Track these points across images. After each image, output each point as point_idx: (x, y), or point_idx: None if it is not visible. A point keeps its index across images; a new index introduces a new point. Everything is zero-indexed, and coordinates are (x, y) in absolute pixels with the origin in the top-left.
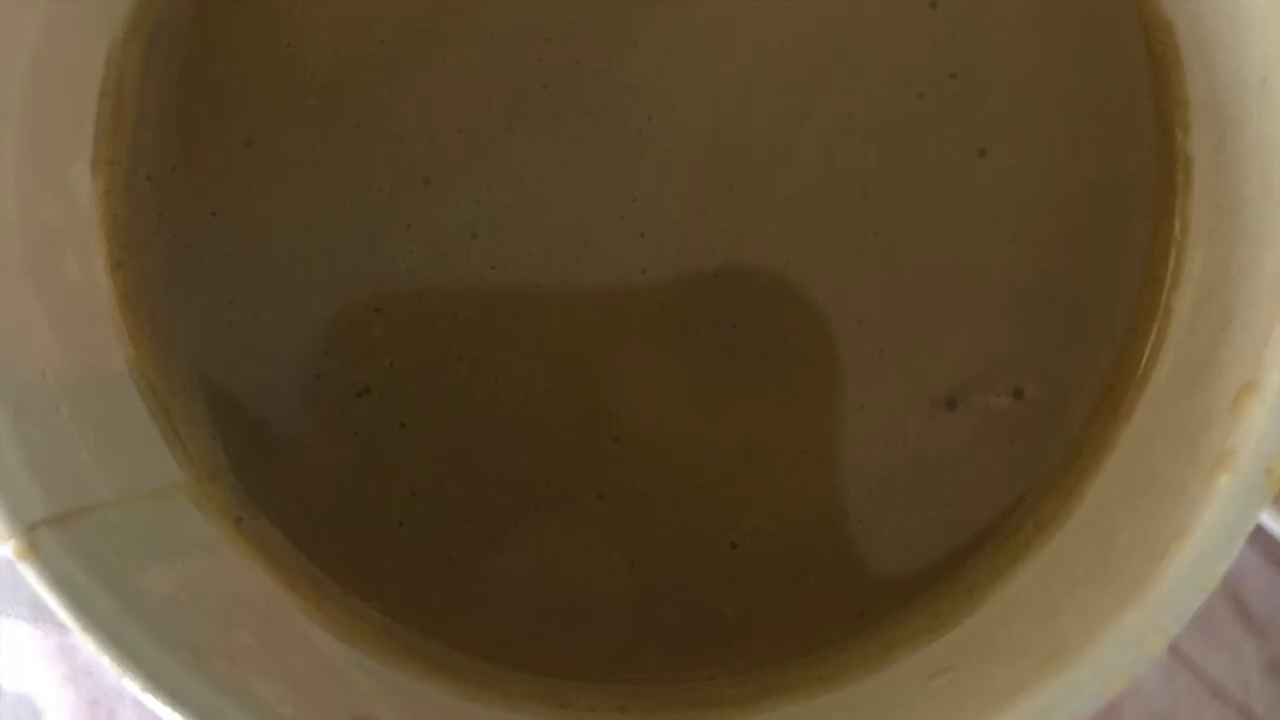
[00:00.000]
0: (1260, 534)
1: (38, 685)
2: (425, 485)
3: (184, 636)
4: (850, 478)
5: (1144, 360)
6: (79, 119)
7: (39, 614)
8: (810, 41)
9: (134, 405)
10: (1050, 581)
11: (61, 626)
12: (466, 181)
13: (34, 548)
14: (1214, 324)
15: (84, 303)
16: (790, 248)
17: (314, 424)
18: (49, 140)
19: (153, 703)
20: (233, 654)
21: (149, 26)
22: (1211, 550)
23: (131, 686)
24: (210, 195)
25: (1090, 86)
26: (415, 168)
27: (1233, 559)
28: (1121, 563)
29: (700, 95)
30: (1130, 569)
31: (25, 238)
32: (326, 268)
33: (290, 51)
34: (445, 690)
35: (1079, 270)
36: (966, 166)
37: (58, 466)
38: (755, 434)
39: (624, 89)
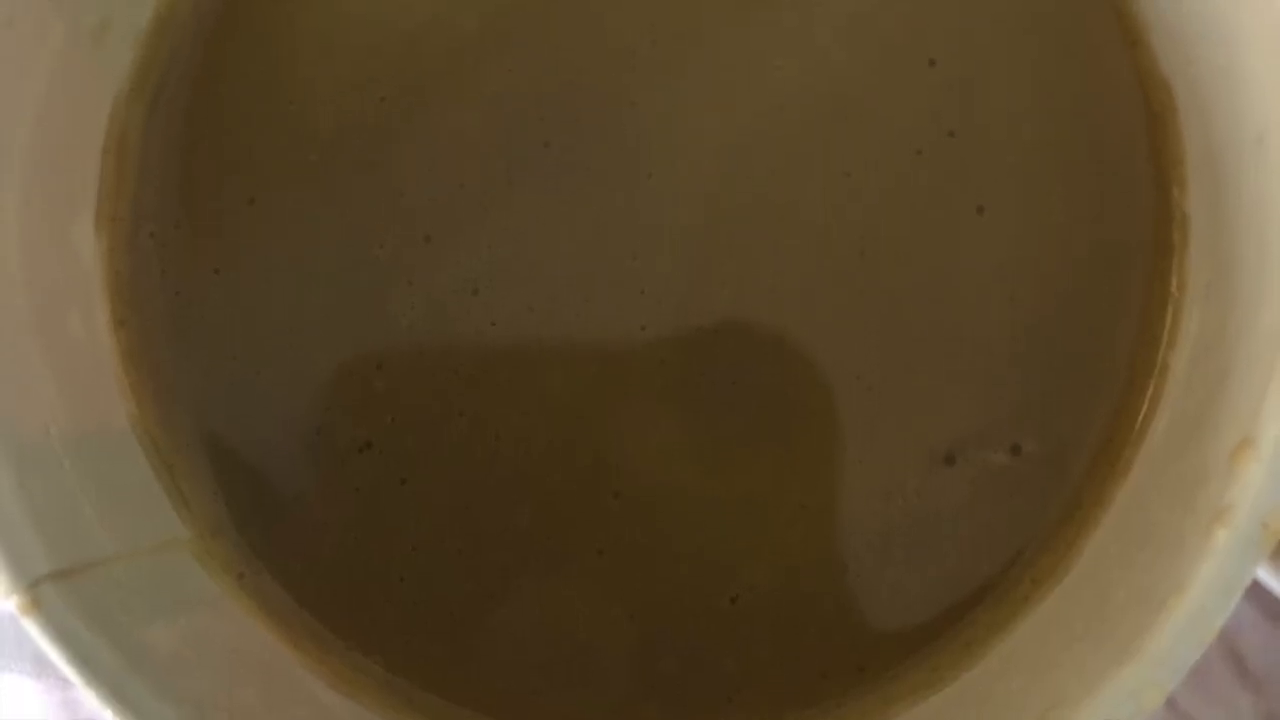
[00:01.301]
0: (1256, 588)
1: None
2: (426, 540)
3: (187, 692)
4: (849, 532)
5: (1141, 416)
6: (82, 176)
7: (42, 669)
8: (809, 100)
9: (137, 461)
10: (1048, 636)
11: (65, 681)
12: (468, 238)
13: (37, 603)
14: (1211, 380)
15: (87, 359)
16: (790, 304)
17: (316, 480)
18: (52, 197)
19: None
20: (235, 709)
21: (152, 84)
22: (1208, 605)
23: None
24: (213, 252)
25: (1088, 144)
26: (417, 224)
27: (1229, 613)
28: (1119, 617)
29: (700, 153)
30: (1127, 624)
31: (29, 294)
32: (328, 324)
33: (293, 109)
34: None
35: (1076, 327)
36: (965, 224)
37: (61, 522)
38: (755, 489)
39: (624, 147)
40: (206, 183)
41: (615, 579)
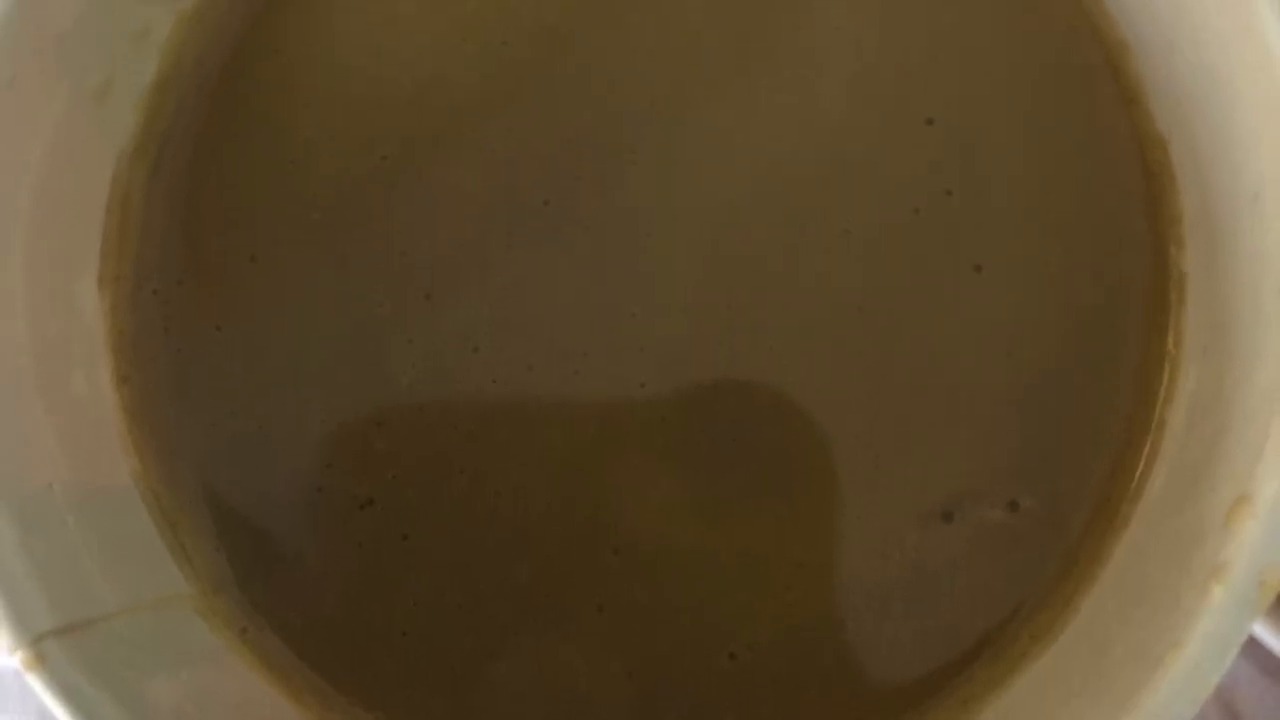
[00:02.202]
0: (1252, 644)
1: None
2: (427, 596)
3: None
4: (848, 589)
5: (1139, 473)
6: (85, 235)
7: None
8: (808, 158)
9: (140, 518)
10: (1045, 692)
11: None
12: (468, 296)
13: (41, 659)
14: (1208, 437)
15: (90, 417)
16: (788, 362)
17: (317, 536)
18: (56, 255)
19: None
20: None
21: (154, 144)
22: (1205, 661)
23: None
24: (215, 310)
25: (1085, 202)
26: (417, 282)
27: (1225, 670)
28: (1116, 673)
29: (699, 211)
30: (1124, 679)
31: (33, 352)
32: (329, 381)
33: (294, 168)
34: None
35: (1074, 384)
36: (962, 282)
37: (64, 578)
38: (754, 546)
39: (624, 205)
40: (209, 241)
41: (615, 635)
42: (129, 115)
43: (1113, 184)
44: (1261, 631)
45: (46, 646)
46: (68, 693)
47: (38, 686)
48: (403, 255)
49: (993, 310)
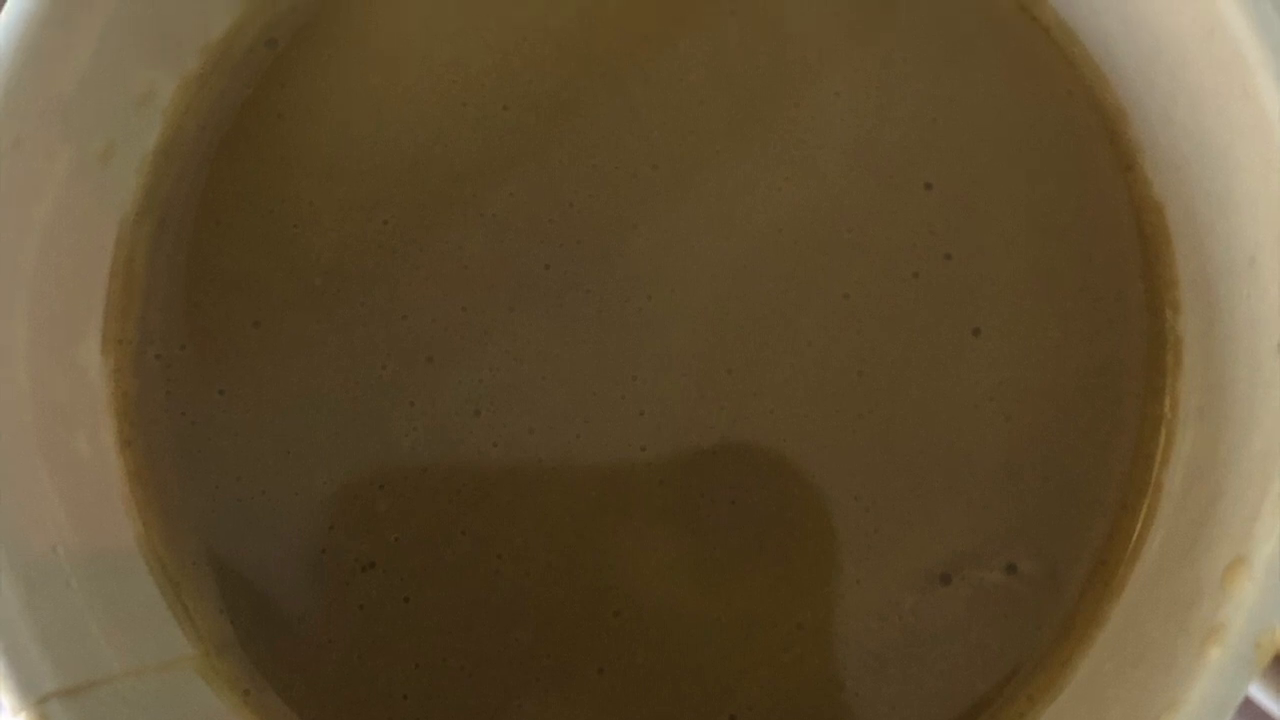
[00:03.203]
0: (1249, 705)
1: None
2: (429, 658)
3: None
4: (847, 651)
5: (1135, 535)
6: (89, 298)
7: None
8: (807, 224)
9: (143, 580)
10: None
11: None
12: (469, 360)
13: None
14: (1204, 500)
15: (94, 479)
16: (787, 425)
17: (320, 598)
18: (60, 319)
19: None
20: None
21: (158, 209)
22: None
23: None
24: (218, 374)
25: (1082, 267)
26: (419, 347)
27: None
28: None
29: (699, 276)
30: None
31: (37, 415)
32: (332, 445)
33: (296, 233)
34: None
35: (1071, 448)
36: (961, 346)
37: (68, 640)
38: (753, 608)
39: (624, 270)
40: (212, 305)
41: (615, 697)
42: (132, 179)
43: (1110, 248)
44: (1258, 693)
45: (50, 708)
46: None
47: None
48: (404, 319)
49: (990, 373)
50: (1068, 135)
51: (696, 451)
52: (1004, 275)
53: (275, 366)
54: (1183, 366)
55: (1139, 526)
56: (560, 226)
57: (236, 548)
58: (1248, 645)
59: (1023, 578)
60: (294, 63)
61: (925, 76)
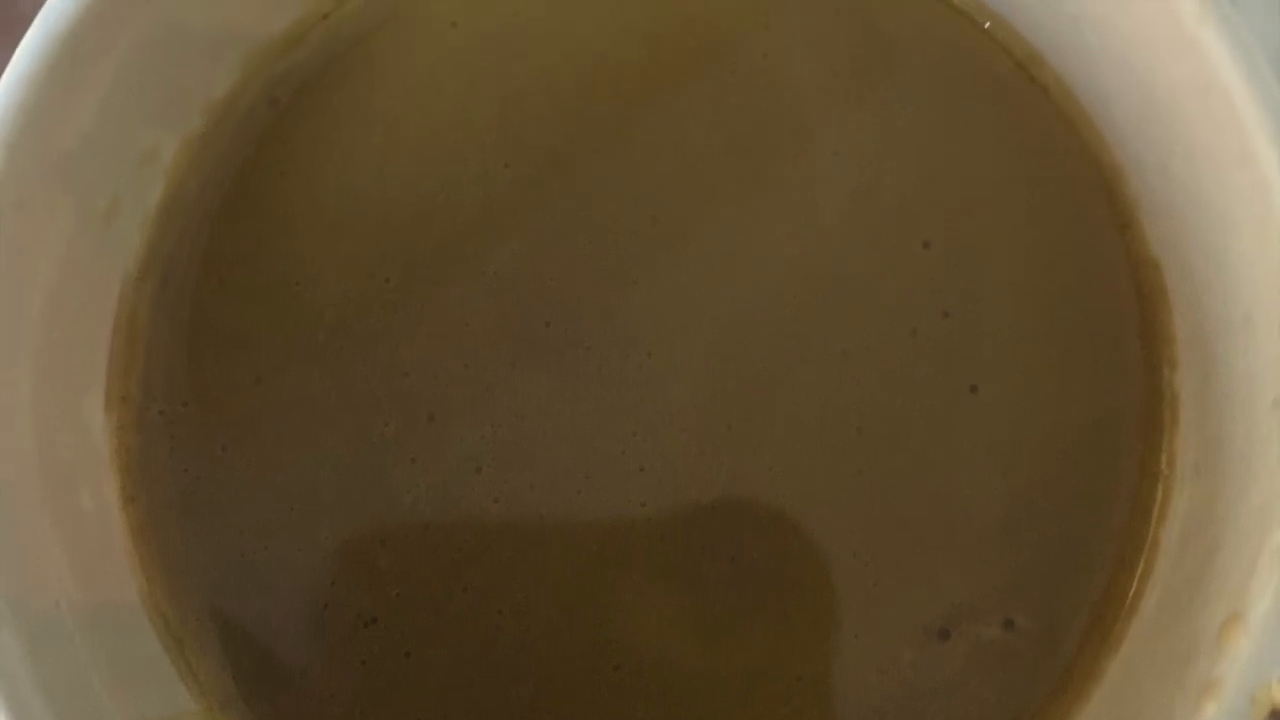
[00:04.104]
0: None
1: None
2: (430, 714)
3: None
4: (845, 706)
5: (1132, 591)
6: (92, 355)
7: None
8: (806, 280)
9: (146, 636)
10: None
11: None
12: (470, 417)
13: None
14: (1200, 555)
15: (97, 535)
16: (787, 481)
17: (322, 653)
18: (64, 376)
19: None
20: None
21: (160, 267)
22: None
23: None
24: (221, 430)
25: (1079, 324)
26: (420, 403)
27: None
28: None
29: (699, 333)
30: None
31: (41, 470)
32: (334, 501)
33: (298, 290)
34: None
35: (1069, 504)
36: (959, 402)
37: (71, 695)
38: (753, 663)
39: (624, 326)
40: (214, 362)
41: None
42: (135, 236)
43: (1107, 306)
44: None
45: None
46: None
47: None
48: (406, 376)
49: (988, 430)
50: (1065, 193)
51: (696, 507)
52: (1002, 332)
53: (277, 423)
54: (1179, 423)
55: (1135, 582)
56: (561, 283)
57: (239, 603)
58: (1243, 700)
59: (1020, 633)
60: (296, 121)
61: (924, 134)
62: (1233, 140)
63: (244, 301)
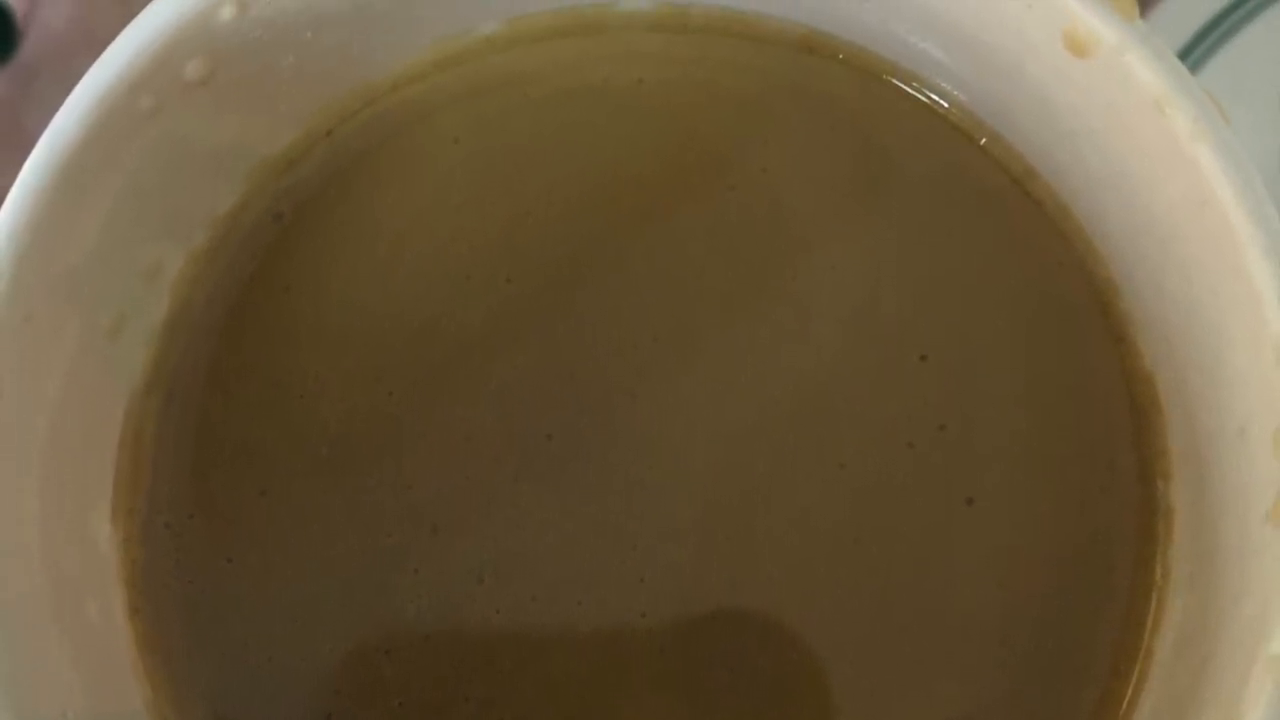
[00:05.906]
0: None
1: None
2: None
3: None
4: None
5: (1126, 701)
6: (99, 469)
7: None
8: (805, 394)
9: None
10: None
11: None
12: (473, 529)
13: None
14: (1194, 665)
15: (103, 646)
16: (785, 593)
17: None
18: (70, 491)
19: None
20: None
21: (166, 381)
22: None
23: None
24: (226, 543)
25: (1075, 437)
26: (423, 516)
27: None
28: None
29: (699, 446)
30: None
31: (48, 582)
32: (338, 611)
33: (302, 403)
34: None
35: (1063, 616)
36: (954, 515)
37: None
38: None
39: (625, 440)
40: (220, 474)
41: None
42: (140, 352)
43: (1101, 419)
44: None
45: None
46: None
47: None
48: (410, 489)
49: (984, 542)
50: (1060, 307)
51: (695, 618)
52: (997, 445)
53: (282, 535)
54: (1174, 535)
55: (1130, 692)
56: (562, 397)
57: (244, 713)
58: None
59: None
60: (300, 236)
61: (920, 249)
62: (1226, 254)
63: (249, 414)
